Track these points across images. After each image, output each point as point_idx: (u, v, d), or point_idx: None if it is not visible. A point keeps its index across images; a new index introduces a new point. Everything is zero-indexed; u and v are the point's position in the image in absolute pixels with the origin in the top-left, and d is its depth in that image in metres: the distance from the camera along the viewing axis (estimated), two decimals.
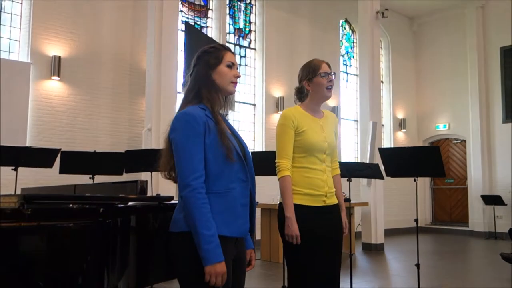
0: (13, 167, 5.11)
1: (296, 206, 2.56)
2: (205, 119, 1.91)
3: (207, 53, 2.03)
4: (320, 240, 2.58)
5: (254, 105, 9.85)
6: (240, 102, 9.50)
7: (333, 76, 2.72)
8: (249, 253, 2.12)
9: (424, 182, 12.63)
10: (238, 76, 2.05)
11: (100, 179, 5.50)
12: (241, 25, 9.93)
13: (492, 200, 10.80)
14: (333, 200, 2.70)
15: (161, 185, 5.86)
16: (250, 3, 10.09)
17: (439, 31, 12.78)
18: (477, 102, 11.60)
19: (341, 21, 11.78)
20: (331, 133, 2.73)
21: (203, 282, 1.80)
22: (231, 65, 2.03)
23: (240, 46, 9.83)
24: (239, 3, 9.91)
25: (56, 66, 7.01)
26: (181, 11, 8.65)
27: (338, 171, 2.85)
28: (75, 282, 1.82)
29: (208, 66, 2.00)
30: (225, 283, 1.84)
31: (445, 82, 12.50)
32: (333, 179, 2.76)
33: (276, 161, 2.64)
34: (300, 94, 2.80)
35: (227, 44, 9.26)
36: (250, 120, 9.77)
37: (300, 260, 2.56)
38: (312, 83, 2.70)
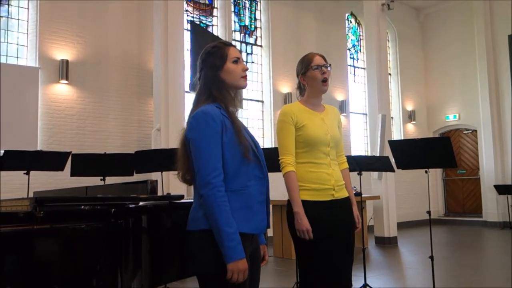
0: (25, 171, 5.15)
1: (304, 202, 2.54)
2: (222, 117, 1.92)
3: (211, 54, 2.02)
4: (330, 235, 2.55)
5: (262, 101, 9.84)
6: (247, 99, 9.50)
7: (327, 68, 2.67)
8: (262, 249, 2.13)
9: (436, 174, 12.54)
10: (246, 69, 2.05)
11: (111, 180, 5.53)
12: (247, 22, 9.91)
13: (505, 189, 10.68)
14: (343, 194, 2.66)
15: (171, 185, 5.88)
16: (255, 0, 10.06)
17: (446, 21, 12.66)
18: (487, 91, 11.47)
19: (346, 15, 11.72)
20: (333, 126, 2.69)
21: (224, 279, 1.81)
22: (237, 60, 2.03)
23: (246, 44, 9.82)
24: (244, 0, 9.89)
25: (64, 70, 7.05)
26: (186, 10, 8.65)
27: (346, 165, 2.82)
28: (89, 284, 1.83)
29: (215, 67, 1.99)
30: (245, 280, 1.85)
31: (454, 73, 12.38)
32: (341, 174, 2.73)
33: (279, 158, 2.63)
34: (300, 89, 2.78)
35: (233, 42, 9.27)
36: (258, 117, 9.76)
37: (311, 255, 2.54)
38: (306, 77, 2.68)
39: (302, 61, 2.72)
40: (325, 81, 2.66)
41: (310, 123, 2.62)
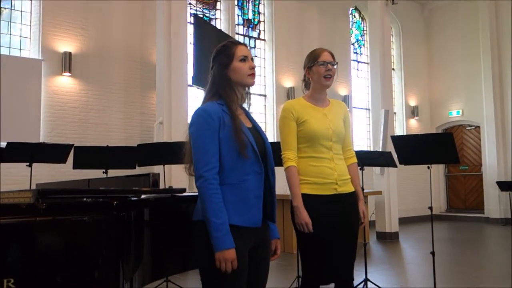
0: (28, 163, 5.15)
1: (306, 196, 2.56)
2: (221, 114, 1.99)
3: (219, 53, 2.11)
4: (332, 229, 2.56)
5: (265, 96, 9.83)
6: (250, 93, 9.46)
7: (333, 65, 2.68)
8: (274, 243, 2.19)
9: (438, 170, 12.52)
10: (253, 67, 2.11)
11: (113, 173, 5.53)
12: (250, 16, 9.88)
13: (508, 186, 10.65)
14: (347, 188, 2.66)
15: (173, 178, 5.89)
16: None
17: (450, 16, 12.59)
18: (491, 87, 11.43)
19: (350, 9, 11.67)
20: (336, 121, 2.70)
21: (215, 268, 1.88)
22: (245, 58, 2.09)
23: (250, 37, 9.79)
24: None
25: (67, 62, 7.05)
26: (190, 3, 8.62)
27: (354, 160, 2.82)
28: (91, 276, 1.83)
29: (222, 66, 2.07)
30: (239, 270, 1.90)
31: (458, 68, 12.32)
32: (348, 168, 2.74)
33: (281, 153, 2.66)
34: (305, 83, 2.80)
35: (236, 36, 9.24)
36: (261, 111, 9.75)
37: (313, 249, 2.56)
38: (312, 71, 2.70)
39: (310, 55, 2.75)
40: (328, 77, 2.67)
41: (311, 118, 2.63)
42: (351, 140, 2.88)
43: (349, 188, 2.68)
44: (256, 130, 2.13)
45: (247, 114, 2.18)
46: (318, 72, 2.67)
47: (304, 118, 2.62)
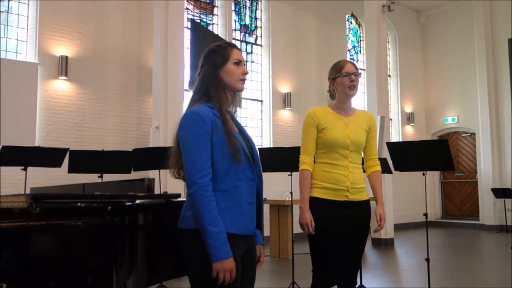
0: (23, 167, 5.14)
1: (317, 199, 2.69)
2: (213, 117, 1.91)
3: (213, 52, 2.02)
4: (339, 234, 2.65)
5: (261, 101, 9.83)
6: (247, 99, 9.49)
7: (356, 76, 2.78)
8: (258, 249, 2.12)
9: (434, 176, 12.55)
10: (246, 73, 2.05)
11: (108, 177, 5.51)
12: (247, 22, 9.91)
13: (502, 193, 10.69)
14: (360, 196, 2.74)
15: (169, 183, 5.87)
16: None
17: (446, 23, 12.67)
18: (486, 95, 11.49)
19: (347, 16, 11.72)
20: (357, 131, 2.77)
21: (211, 278, 1.81)
22: (238, 62, 2.02)
23: (246, 43, 9.81)
24: None
25: (63, 66, 7.04)
26: (187, 8, 8.64)
27: (377, 168, 2.88)
28: (84, 280, 1.83)
29: (215, 65, 1.99)
30: (234, 279, 1.84)
31: (453, 75, 12.39)
32: (371, 176, 2.84)
33: (299, 156, 2.80)
34: (330, 93, 2.91)
35: (233, 41, 9.26)
36: (257, 116, 9.76)
37: (318, 251, 2.69)
38: (336, 82, 2.81)
39: (334, 67, 2.85)
40: (352, 87, 2.77)
41: (331, 126, 2.74)
42: (376, 150, 2.93)
43: (362, 197, 2.76)
44: (243, 135, 2.06)
45: (233, 118, 2.10)
46: (342, 83, 2.77)
47: (324, 125, 2.74)
